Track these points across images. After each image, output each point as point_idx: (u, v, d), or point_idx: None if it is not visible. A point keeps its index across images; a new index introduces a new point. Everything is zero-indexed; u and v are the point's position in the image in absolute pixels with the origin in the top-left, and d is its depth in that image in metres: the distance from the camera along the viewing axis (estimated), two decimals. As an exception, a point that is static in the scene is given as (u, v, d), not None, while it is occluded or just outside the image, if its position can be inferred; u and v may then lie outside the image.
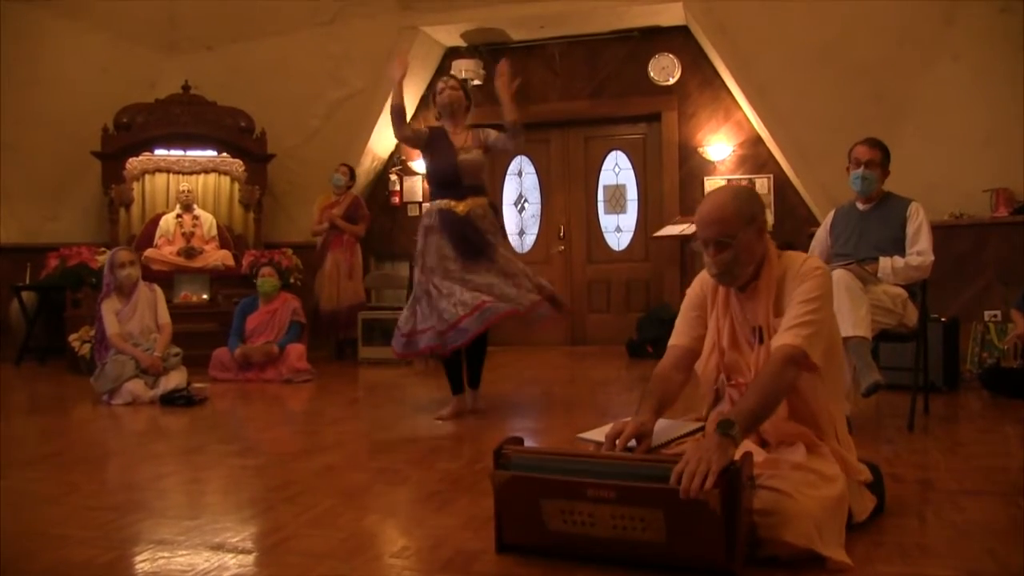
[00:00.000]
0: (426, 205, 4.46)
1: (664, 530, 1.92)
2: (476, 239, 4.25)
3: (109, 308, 5.29)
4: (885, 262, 3.83)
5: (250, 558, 2.19)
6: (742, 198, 2.30)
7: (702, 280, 2.45)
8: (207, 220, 7.76)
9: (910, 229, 3.91)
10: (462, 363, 4.43)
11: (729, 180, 7.62)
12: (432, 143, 4.43)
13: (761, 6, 6.89)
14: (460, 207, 4.30)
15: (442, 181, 4.40)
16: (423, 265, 4.32)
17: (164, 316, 5.43)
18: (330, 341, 7.49)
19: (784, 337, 2.16)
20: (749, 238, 2.25)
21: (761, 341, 2.27)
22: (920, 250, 3.85)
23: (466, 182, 4.35)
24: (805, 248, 4.35)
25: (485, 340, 4.37)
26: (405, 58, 4.50)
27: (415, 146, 4.63)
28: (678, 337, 2.45)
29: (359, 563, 2.12)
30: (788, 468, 2.10)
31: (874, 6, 6.53)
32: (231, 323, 6.32)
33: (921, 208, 3.96)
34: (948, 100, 6.47)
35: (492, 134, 4.47)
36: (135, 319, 5.32)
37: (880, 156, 4.00)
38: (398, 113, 4.35)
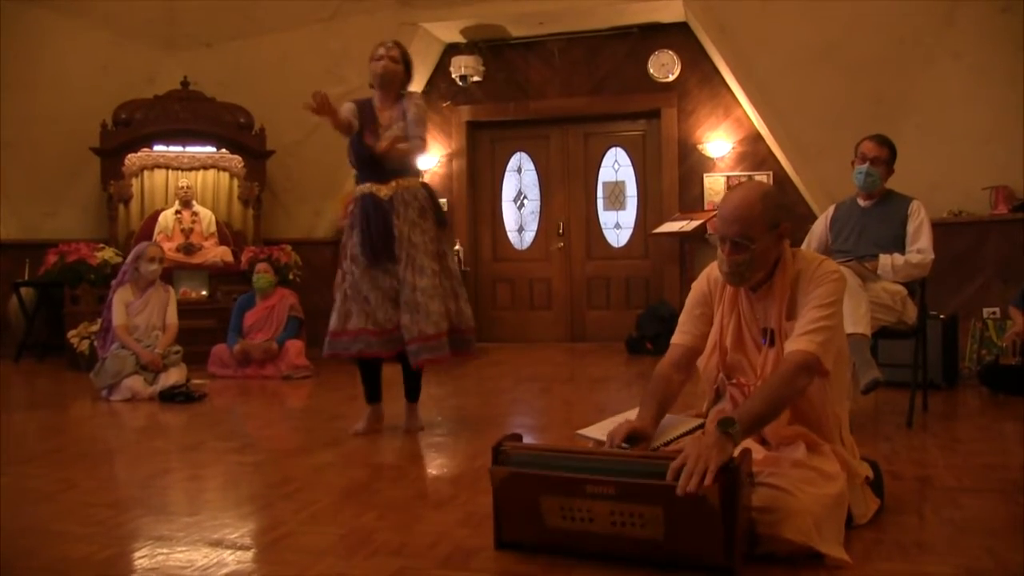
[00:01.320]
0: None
1: (663, 526, 1.92)
2: (384, 237, 3.76)
3: (121, 299, 5.31)
4: (885, 259, 3.83)
5: (249, 554, 2.19)
6: (770, 202, 2.24)
7: (709, 275, 2.42)
8: (206, 216, 7.75)
9: (911, 227, 3.91)
10: (379, 369, 4.00)
11: (728, 177, 7.62)
12: (360, 119, 3.84)
13: (761, 4, 6.88)
14: (383, 191, 3.81)
15: (363, 163, 3.87)
16: (340, 261, 3.93)
17: (172, 317, 5.44)
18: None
19: (798, 343, 2.13)
20: (767, 244, 2.21)
21: (772, 344, 2.24)
22: (920, 248, 3.85)
23: (389, 165, 3.81)
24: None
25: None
26: (324, 99, 3.60)
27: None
28: (680, 335, 2.42)
29: (358, 560, 2.12)
30: (788, 465, 2.10)
31: (875, 5, 6.52)
32: (230, 319, 6.33)
33: (923, 207, 3.96)
34: (948, 99, 6.46)
35: (412, 110, 3.84)
36: (143, 314, 5.34)
37: (887, 154, 4.00)
38: (347, 129, 3.82)
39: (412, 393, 4.02)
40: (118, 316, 5.26)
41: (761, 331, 2.28)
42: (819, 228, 4.23)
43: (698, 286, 2.45)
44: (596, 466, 2.02)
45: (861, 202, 4.09)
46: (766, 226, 2.20)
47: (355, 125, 3.82)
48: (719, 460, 1.86)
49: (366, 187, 3.85)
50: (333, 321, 3.82)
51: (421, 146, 3.86)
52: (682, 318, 2.45)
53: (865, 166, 3.99)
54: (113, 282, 5.48)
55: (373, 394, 3.98)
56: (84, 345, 6.37)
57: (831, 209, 4.25)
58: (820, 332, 2.13)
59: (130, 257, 5.48)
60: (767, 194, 2.27)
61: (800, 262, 2.28)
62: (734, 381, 2.31)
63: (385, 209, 3.78)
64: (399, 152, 3.76)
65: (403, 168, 3.85)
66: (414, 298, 3.72)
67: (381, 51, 3.87)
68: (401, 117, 3.84)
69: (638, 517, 1.93)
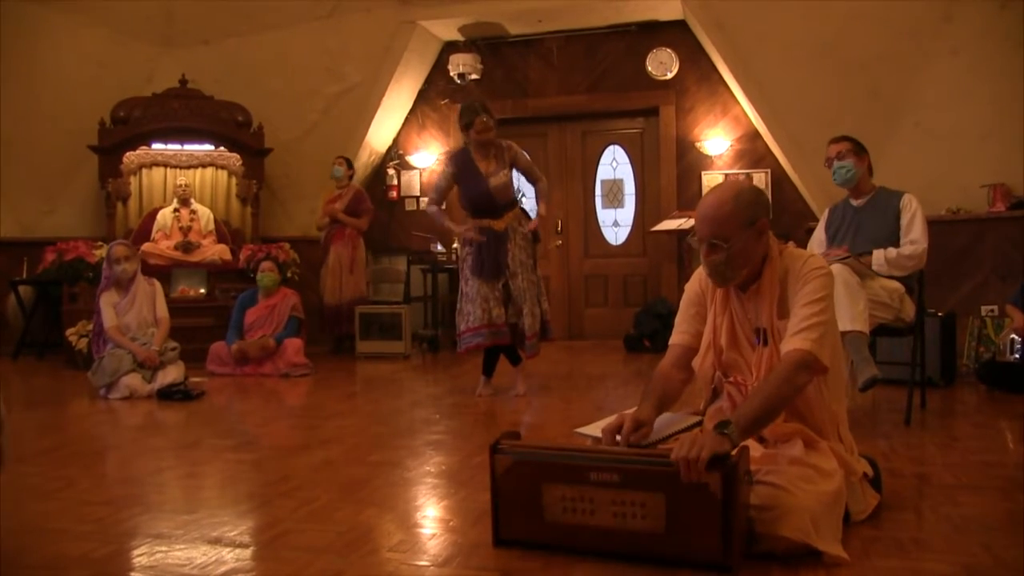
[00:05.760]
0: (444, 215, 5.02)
1: (663, 518, 1.92)
2: (497, 261, 4.72)
3: (107, 301, 5.30)
4: (879, 253, 3.82)
5: (247, 552, 2.19)
6: (743, 199, 2.22)
7: (700, 276, 2.42)
8: (204, 214, 7.75)
9: (904, 220, 3.91)
10: (499, 355, 4.92)
11: (727, 175, 7.62)
12: (461, 173, 4.81)
13: (759, 1, 6.87)
14: (499, 224, 4.77)
15: (479, 207, 4.80)
16: (462, 272, 4.86)
17: (163, 310, 5.43)
18: (329, 335, 7.49)
19: (793, 341, 2.13)
20: (745, 242, 2.20)
21: (765, 343, 2.24)
22: (913, 239, 3.84)
23: (501, 202, 4.78)
24: (802, 242, 4.33)
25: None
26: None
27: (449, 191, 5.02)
28: (678, 335, 2.43)
29: (356, 557, 2.13)
30: (785, 463, 2.10)
31: (873, 2, 6.52)
32: (229, 317, 6.32)
33: (914, 199, 3.96)
34: (946, 96, 6.46)
35: (521, 160, 4.86)
36: (133, 312, 5.32)
37: (849, 146, 4.02)
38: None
39: (490, 369, 4.95)
40: (107, 319, 5.25)
41: (754, 331, 2.28)
42: (819, 235, 4.21)
43: (690, 287, 2.46)
44: (594, 463, 2.02)
45: (853, 201, 4.09)
46: (740, 224, 2.20)
47: (448, 183, 4.90)
48: (712, 448, 1.87)
49: (484, 222, 4.78)
50: (458, 323, 4.81)
51: (546, 185, 5.06)
52: (678, 319, 2.47)
53: (835, 163, 4.02)
54: (98, 288, 5.47)
55: (488, 371, 4.92)
56: (82, 343, 6.36)
57: (826, 213, 4.26)
58: (814, 329, 2.13)
59: (104, 262, 5.47)
60: (740, 192, 2.26)
61: (787, 259, 2.27)
62: (731, 379, 2.31)
63: (500, 239, 4.74)
64: (547, 198, 5.03)
65: (509, 204, 4.83)
66: (529, 307, 4.75)
67: (480, 127, 4.72)
68: (503, 166, 4.78)
69: (640, 507, 1.94)
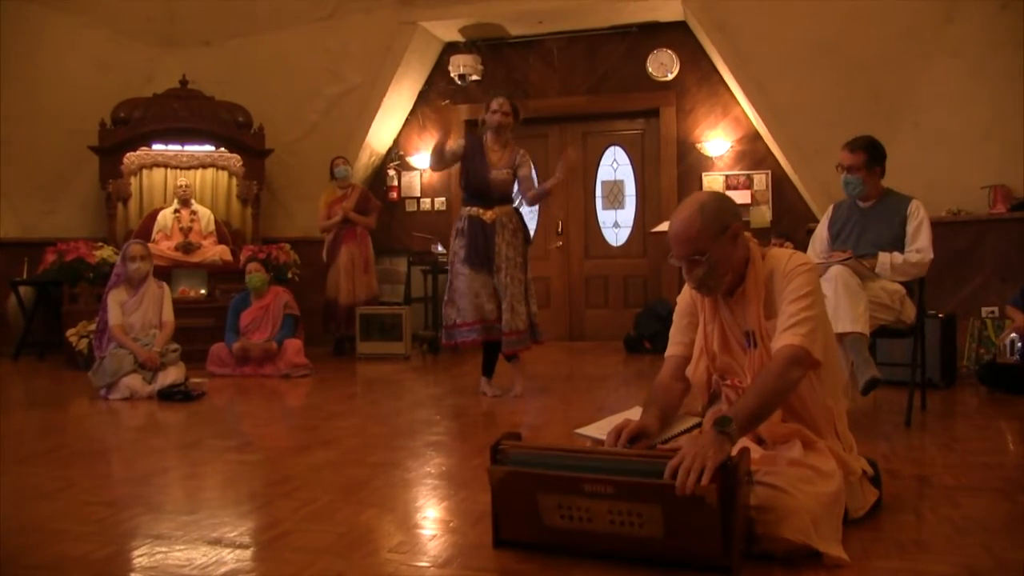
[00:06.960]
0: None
1: (662, 525, 1.92)
2: (486, 250, 4.74)
3: (115, 299, 5.31)
4: (884, 257, 3.82)
5: (247, 553, 2.19)
6: (708, 211, 2.23)
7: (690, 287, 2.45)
8: (205, 215, 7.75)
9: (910, 227, 3.90)
10: (497, 352, 4.90)
11: (727, 176, 7.63)
12: (469, 154, 4.85)
13: (759, 2, 6.89)
14: (487, 215, 4.80)
15: (474, 192, 4.85)
16: (452, 265, 4.88)
17: (168, 314, 5.44)
18: (329, 336, 7.49)
19: (784, 338, 2.14)
20: (722, 249, 2.22)
21: (755, 345, 2.25)
22: (920, 247, 3.84)
23: (496, 195, 4.83)
24: (802, 243, 4.33)
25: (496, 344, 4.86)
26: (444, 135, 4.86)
27: (452, 164, 5.00)
28: (674, 347, 2.45)
29: (357, 558, 2.13)
30: (785, 464, 2.10)
31: (873, 3, 6.53)
32: (226, 319, 6.32)
33: (922, 206, 3.95)
34: (947, 97, 6.47)
35: (525, 168, 4.88)
36: (138, 313, 5.33)
37: (863, 159, 3.96)
38: (439, 154, 4.83)
39: (489, 369, 4.95)
40: (113, 316, 5.26)
41: (743, 334, 2.29)
42: (821, 232, 4.19)
43: (682, 298, 2.48)
44: (594, 465, 2.02)
45: (860, 203, 4.08)
46: (713, 235, 2.21)
47: (452, 155, 4.87)
48: (716, 459, 1.86)
49: (473, 211, 4.83)
50: (450, 315, 4.80)
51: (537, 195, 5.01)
52: (672, 331, 2.48)
53: (844, 175, 4.01)
54: (107, 284, 5.48)
55: (488, 370, 4.95)
56: (83, 344, 6.36)
57: (829, 210, 4.24)
58: (803, 324, 2.14)
59: (118, 259, 5.49)
60: (704, 205, 2.25)
61: (771, 261, 2.29)
62: (728, 382, 2.32)
63: (488, 230, 4.77)
64: (539, 199, 5.05)
65: (505, 197, 4.87)
66: (510, 302, 4.73)
67: (495, 106, 4.82)
68: (509, 164, 4.85)
69: (636, 516, 1.94)
